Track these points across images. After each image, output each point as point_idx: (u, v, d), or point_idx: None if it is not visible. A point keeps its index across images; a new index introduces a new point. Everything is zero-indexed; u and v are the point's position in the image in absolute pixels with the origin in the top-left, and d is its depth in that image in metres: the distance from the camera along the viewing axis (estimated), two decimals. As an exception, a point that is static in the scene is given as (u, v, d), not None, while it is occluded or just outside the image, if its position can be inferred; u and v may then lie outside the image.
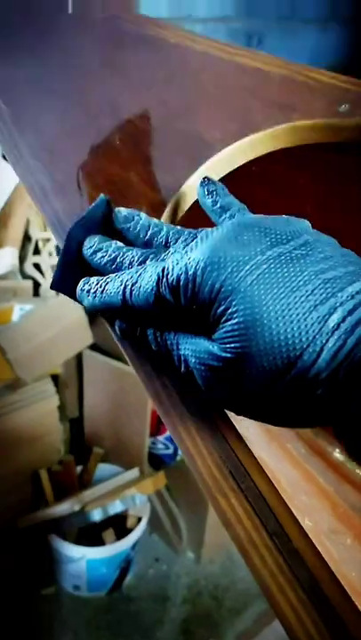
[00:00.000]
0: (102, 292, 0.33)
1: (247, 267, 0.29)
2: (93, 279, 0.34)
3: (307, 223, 0.33)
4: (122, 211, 0.38)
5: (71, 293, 0.36)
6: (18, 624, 1.58)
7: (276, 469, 0.59)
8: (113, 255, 0.35)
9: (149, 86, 0.48)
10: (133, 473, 1.69)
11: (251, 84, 0.46)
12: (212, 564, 1.79)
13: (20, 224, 1.58)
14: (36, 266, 1.63)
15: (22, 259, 1.62)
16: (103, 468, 1.74)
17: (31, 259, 1.61)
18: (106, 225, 0.38)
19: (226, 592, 1.73)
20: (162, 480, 1.70)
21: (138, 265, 0.34)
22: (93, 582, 1.63)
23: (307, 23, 2.11)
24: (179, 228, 0.36)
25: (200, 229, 0.34)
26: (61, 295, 1.59)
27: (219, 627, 1.65)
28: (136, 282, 0.32)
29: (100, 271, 0.36)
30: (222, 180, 0.47)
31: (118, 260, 0.35)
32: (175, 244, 0.35)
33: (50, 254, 1.60)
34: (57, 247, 1.58)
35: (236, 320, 0.28)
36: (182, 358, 0.32)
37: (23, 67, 0.50)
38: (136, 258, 0.34)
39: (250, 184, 0.63)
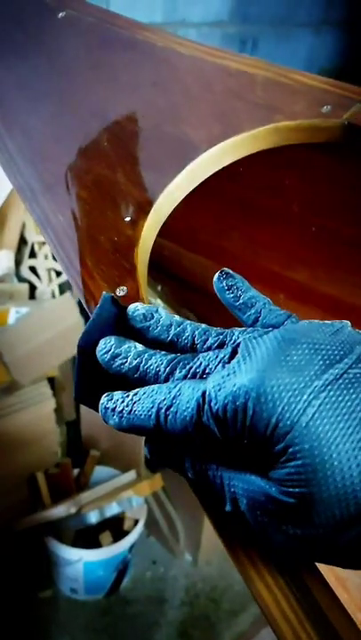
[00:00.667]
0: (130, 412, 0.30)
1: (305, 396, 0.25)
2: (117, 395, 0.31)
3: (349, 327, 0.30)
4: (139, 308, 0.34)
5: (95, 405, 0.32)
6: (15, 627, 1.58)
7: None
8: (134, 363, 0.31)
9: (136, 89, 0.49)
10: (130, 475, 1.69)
11: (235, 87, 0.47)
12: (210, 566, 1.79)
13: (16, 227, 1.59)
14: (32, 269, 1.64)
15: (18, 262, 1.63)
16: (100, 471, 1.74)
17: (27, 262, 1.62)
18: (118, 323, 0.34)
19: (223, 594, 1.73)
20: (158, 482, 1.71)
21: (165, 373, 0.30)
22: (90, 585, 1.64)
23: (301, 27, 2.13)
24: (203, 326, 0.33)
25: (231, 330, 0.31)
26: (58, 298, 1.59)
27: (216, 629, 1.65)
28: (171, 405, 0.28)
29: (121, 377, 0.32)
30: (209, 181, 0.48)
31: (141, 368, 0.31)
32: (205, 351, 0.31)
33: (46, 257, 1.61)
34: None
35: (300, 462, 0.25)
36: (229, 496, 0.28)
37: (12, 70, 0.51)
38: (163, 367, 0.30)
39: (237, 185, 0.64)
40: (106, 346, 0.32)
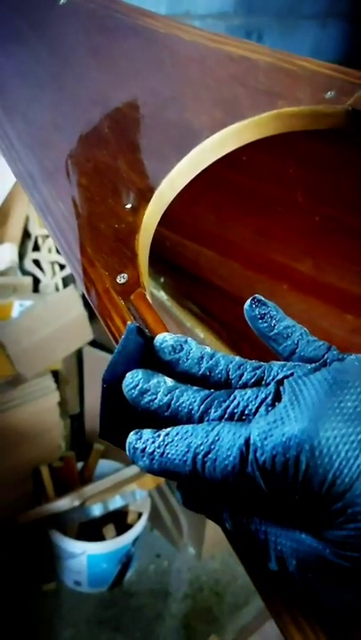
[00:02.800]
0: (162, 455, 0.27)
1: None
2: (147, 434, 0.28)
3: None
4: (167, 339, 0.31)
5: (122, 445, 0.30)
6: (19, 620, 1.58)
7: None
8: (165, 400, 0.29)
9: (138, 75, 0.49)
10: (134, 469, 1.69)
11: (238, 73, 0.47)
12: (213, 559, 1.79)
13: (20, 221, 1.59)
14: (36, 262, 1.64)
15: (22, 255, 1.63)
16: (104, 465, 1.74)
17: (31, 255, 1.62)
18: (145, 354, 0.32)
19: (227, 587, 1.73)
20: (162, 476, 1.71)
21: (199, 412, 0.28)
22: (94, 578, 1.64)
23: (306, 19, 2.11)
24: (237, 358, 0.30)
25: (269, 365, 0.29)
26: (61, 291, 1.59)
27: (219, 622, 1.65)
28: (209, 451, 0.26)
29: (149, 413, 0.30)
30: (212, 170, 0.48)
31: (173, 405, 0.29)
32: (241, 387, 0.29)
33: (49, 250, 1.61)
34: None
35: None
36: (275, 554, 0.26)
37: (13, 57, 0.51)
38: (196, 405, 0.28)
39: (240, 174, 0.63)
40: (133, 380, 0.30)
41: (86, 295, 0.40)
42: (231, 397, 0.28)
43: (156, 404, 0.29)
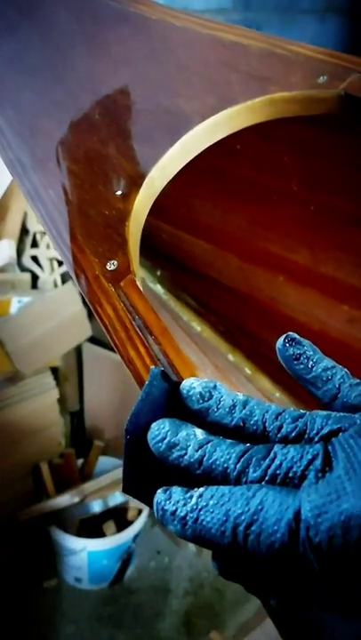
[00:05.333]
0: (196, 521, 0.25)
1: None
2: (177, 494, 0.26)
3: None
4: (195, 386, 0.29)
5: (148, 500, 0.28)
6: (19, 617, 1.58)
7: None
8: (196, 456, 0.26)
9: (129, 62, 0.48)
10: (134, 465, 1.69)
11: (229, 58, 0.46)
12: (214, 556, 1.79)
13: (18, 217, 1.59)
14: (34, 258, 1.64)
15: (20, 252, 1.63)
16: (104, 461, 1.74)
17: (29, 251, 1.62)
18: (171, 401, 0.30)
19: (227, 584, 1.73)
20: (162, 472, 1.70)
21: (236, 471, 0.25)
22: (94, 574, 1.64)
23: (305, 14, 2.11)
24: (273, 407, 0.28)
25: (311, 415, 0.27)
26: (60, 288, 1.58)
27: (220, 618, 1.65)
28: (252, 523, 0.23)
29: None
30: (206, 158, 0.47)
31: (205, 463, 0.26)
32: (281, 440, 0.26)
33: (48, 247, 1.60)
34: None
35: None
36: None
37: (3, 45, 0.51)
38: (232, 464, 0.25)
39: (235, 164, 0.63)
40: (160, 432, 0.27)
41: (76, 282, 0.39)
42: (271, 455, 0.25)
43: (186, 461, 0.26)
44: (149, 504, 0.27)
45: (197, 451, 0.26)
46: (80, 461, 1.72)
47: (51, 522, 1.56)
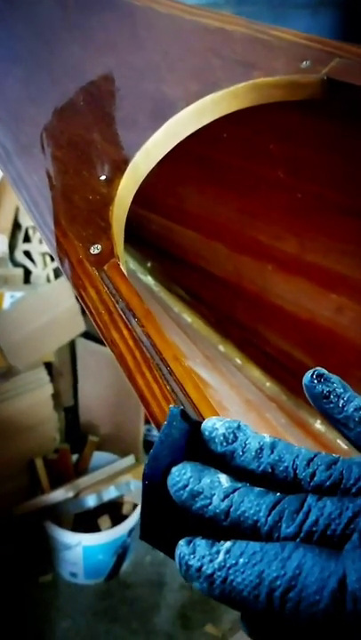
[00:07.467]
0: (225, 581, 0.23)
1: None
2: (202, 548, 0.24)
3: None
4: (217, 427, 0.27)
5: (168, 549, 0.26)
6: (16, 612, 1.59)
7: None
8: (222, 506, 0.24)
9: (113, 48, 0.48)
10: (129, 460, 1.69)
11: (213, 44, 0.46)
12: (209, 549, 1.79)
13: (10, 212, 1.59)
14: (27, 253, 1.64)
15: (12, 247, 1.63)
16: (99, 456, 1.75)
17: (21, 246, 1.62)
18: (191, 443, 0.28)
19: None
20: (157, 466, 1.71)
21: (267, 526, 0.23)
22: (90, 569, 1.64)
23: (297, 8, 2.11)
24: (303, 450, 0.26)
25: (347, 462, 0.25)
26: (53, 282, 1.58)
27: (216, 612, 1.65)
28: (289, 588, 0.21)
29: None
30: (194, 147, 0.47)
31: (233, 514, 0.24)
32: (314, 490, 0.24)
33: (40, 242, 1.60)
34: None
35: None
36: None
37: (-13, 31, 0.51)
38: (263, 517, 0.23)
39: (222, 151, 0.63)
40: (181, 479, 0.25)
41: (60, 266, 0.39)
42: (305, 507, 0.23)
43: (211, 511, 0.24)
44: (170, 554, 0.25)
45: (223, 500, 0.24)
46: (75, 457, 1.72)
47: (46, 517, 1.56)
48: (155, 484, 0.27)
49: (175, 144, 0.45)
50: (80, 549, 1.57)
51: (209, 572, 0.23)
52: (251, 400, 0.70)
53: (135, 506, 1.64)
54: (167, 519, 0.27)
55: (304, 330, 0.71)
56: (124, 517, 1.61)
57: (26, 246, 1.62)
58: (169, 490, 0.26)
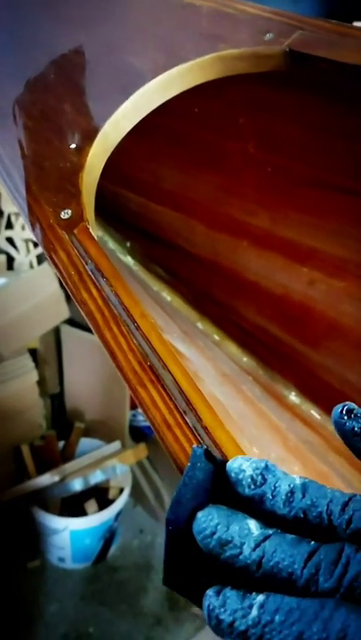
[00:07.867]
0: (260, 639, 0.21)
1: None
2: (234, 602, 0.22)
3: None
4: (244, 468, 0.25)
5: (193, 596, 0.25)
6: (4, 598, 1.60)
7: (228, 404, 0.62)
8: (254, 556, 0.23)
9: (86, 24, 0.49)
10: (115, 446, 1.71)
11: (182, 18, 0.48)
12: (196, 533, 1.82)
13: (-8, 199, 1.59)
14: (10, 240, 1.64)
15: (-5, 234, 1.63)
16: (85, 443, 1.76)
17: (4, 233, 1.62)
18: (217, 484, 0.26)
19: (209, 560, 1.76)
20: (143, 451, 1.72)
21: (303, 579, 0.22)
22: (78, 553, 1.66)
23: (278, -3, 2.11)
24: (337, 493, 0.24)
25: None
26: (36, 269, 1.58)
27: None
28: None
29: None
30: (168, 123, 0.49)
31: (265, 565, 0.22)
32: (351, 538, 0.23)
33: (23, 228, 1.61)
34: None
35: None
36: None
37: None
38: (298, 569, 0.22)
39: (195, 127, 0.64)
40: (208, 525, 0.24)
41: (31, 231, 0.41)
42: (343, 559, 0.21)
43: (242, 562, 0.23)
44: (197, 603, 0.24)
45: (255, 550, 0.23)
46: (61, 443, 1.73)
47: (33, 502, 1.57)
48: (179, 530, 0.25)
49: (144, 115, 0.47)
50: (67, 534, 1.59)
51: (242, 628, 0.21)
52: (227, 373, 0.72)
53: (122, 490, 1.66)
54: (192, 565, 0.25)
55: (279, 304, 0.73)
56: (111, 502, 1.63)
57: (8, 233, 1.62)
58: (195, 536, 0.24)
